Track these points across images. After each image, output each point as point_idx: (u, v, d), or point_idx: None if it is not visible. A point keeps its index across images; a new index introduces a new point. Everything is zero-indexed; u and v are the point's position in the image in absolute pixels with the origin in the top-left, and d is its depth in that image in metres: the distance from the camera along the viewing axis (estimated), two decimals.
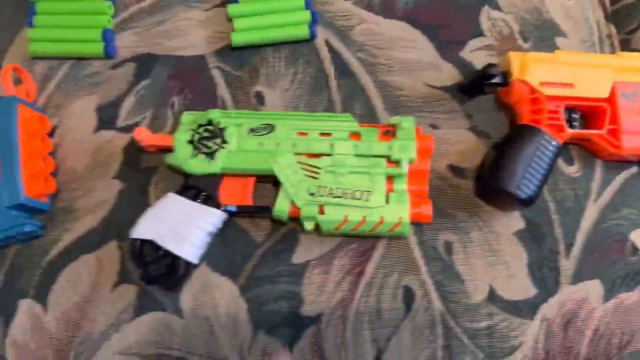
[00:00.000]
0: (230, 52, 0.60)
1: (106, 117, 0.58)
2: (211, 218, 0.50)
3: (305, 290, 0.53)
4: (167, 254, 0.49)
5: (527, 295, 0.53)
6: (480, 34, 0.61)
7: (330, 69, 0.59)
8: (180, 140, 0.52)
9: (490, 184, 0.53)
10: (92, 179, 0.56)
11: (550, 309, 0.53)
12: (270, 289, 0.53)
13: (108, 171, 0.56)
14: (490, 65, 0.55)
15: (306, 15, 0.59)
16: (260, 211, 0.52)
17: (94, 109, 0.58)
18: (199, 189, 0.51)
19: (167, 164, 0.53)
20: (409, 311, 0.52)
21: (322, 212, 0.50)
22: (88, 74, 0.60)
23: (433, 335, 0.52)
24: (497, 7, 0.62)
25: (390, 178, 0.52)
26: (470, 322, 0.52)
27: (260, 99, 0.58)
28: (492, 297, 0.53)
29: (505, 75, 0.56)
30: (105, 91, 0.59)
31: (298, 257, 0.53)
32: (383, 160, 0.52)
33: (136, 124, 0.58)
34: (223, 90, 0.59)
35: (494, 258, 0.54)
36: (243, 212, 0.52)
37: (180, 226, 0.49)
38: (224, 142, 0.51)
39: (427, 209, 0.51)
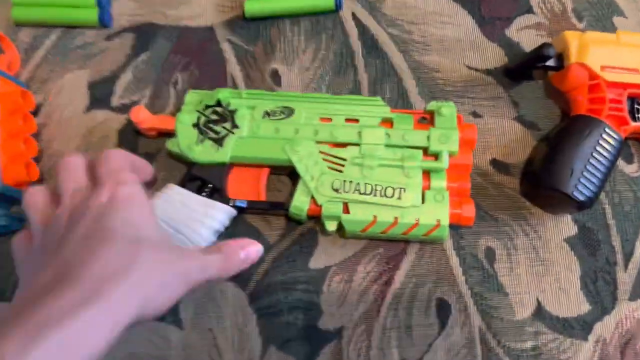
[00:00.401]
0: (243, 24, 0.52)
1: (99, 95, 0.51)
2: (218, 214, 0.43)
3: (325, 301, 0.46)
4: None
5: (580, 311, 0.46)
6: (528, 10, 0.54)
7: (357, 45, 0.52)
8: (184, 123, 0.44)
9: (542, 183, 0.45)
10: None
11: (605, 328, 0.46)
12: (284, 298, 0.46)
13: None
14: (545, 46, 0.47)
15: None
16: (275, 208, 0.45)
17: (85, 85, 0.51)
18: (204, 180, 0.44)
19: (167, 150, 0.45)
20: (443, 327, 0.45)
21: (346, 210, 0.43)
22: (79, 44, 0.52)
23: (471, 356, 0.45)
24: None
25: (426, 173, 0.45)
26: (514, 341, 0.45)
27: (276, 78, 0.51)
28: (540, 313, 0.46)
29: (560, 57, 0.48)
30: (99, 65, 0.52)
31: (316, 262, 0.46)
32: (419, 152, 0.44)
33: (133, 103, 0.50)
34: (234, 67, 0.51)
35: (542, 268, 0.47)
36: (254, 208, 0.45)
37: (182, 222, 0.41)
38: (235, 126, 0.44)
39: (469, 210, 0.44)
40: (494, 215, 0.48)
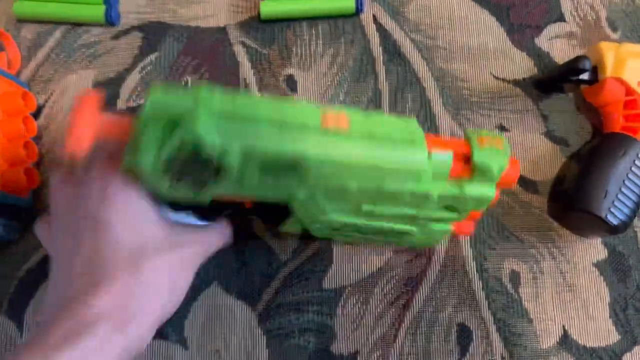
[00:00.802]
0: (258, 26, 0.49)
1: (105, 97, 0.48)
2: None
3: (338, 323, 0.43)
4: None
5: (608, 341, 0.44)
6: (560, 18, 0.50)
7: (377, 51, 0.49)
8: (147, 172, 0.30)
9: (573, 205, 0.43)
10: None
11: (635, 359, 0.43)
12: (295, 320, 0.43)
13: None
14: (581, 58, 0.44)
15: None
16: (265, 220, 0.40)
17: (90, 86, 0.48)
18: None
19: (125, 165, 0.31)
20: (464, 355, 0.43)
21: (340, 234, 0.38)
22: (85, 43, 0.49)
23: None
24: None
25: None
26: None
27: (291, 83, 0.48)
28: (566, 342, 0.43)
29: (595, 70, 0.46)
30: (105, 65, 0.49)
31: (331, 282, 0.44)
32: (439, 212, 0.36)
33: (140, 107, 0.47)
34: (247, 71, 0.48)
35: (569, 294, 0.44)
36: (239, 215, 0.38)
37: None
38: (220, 171, 0.30)
39: (468, 227, 0.40)
40: (519, 237, 0.45)
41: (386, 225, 0.36)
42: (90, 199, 0.31)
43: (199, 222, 0.37)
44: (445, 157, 0.34)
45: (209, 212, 0.36)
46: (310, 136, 0.31)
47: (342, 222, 0.35)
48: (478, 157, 0.34)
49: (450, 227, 0.38)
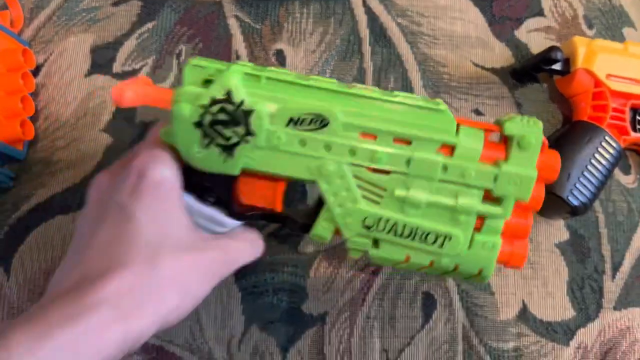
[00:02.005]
0: (252, 1, 0.52)
1: (101, 60, 0.50)
2: (224, 231, 0.36)
3: (310, 285, 0.45)
4: None
5: (564, 317, 0.46)
6: (539, 12, 0.53)
7: (365, 32, 0.51)
8: (184, 118, 0.32)
9: None
10: (77, 129, 0.48)
11: (588, 335, 0.46)
12: (270, 279, 0.45)
13: (97, 122, 0.49)
14: (553, 49, 0.47)
15: None
16: (293, 225, 0.36)
17: (88, 49, 0.50)
18: (208, 187, 0.34)
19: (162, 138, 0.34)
20: (427, 321, 0.45)
21: (376, 244, 0.35)
22: (85, 8, 0.52)
23: (452, 352, 0.45)
24: None
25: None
26: (496, 341, 0.45)
27: (281, 58, 0.50)
28: (524, 315, 0.46)
29: (567, 62, 0.48)
30: (104, 30, 0.51)
31: (306, 246, 0.46)
32: (479, 194, 0.34)
33: (134, 71, 0.50)
34: (239, 44, 0.51)
35: (530, 270, 0.47)
36: (269, 221, 0.38)
37: None
38: (249, 132, 0.33)
39: (521, 249, 0.36)
40: None
41: (426, 224, 0.34)
42: (123, 190, 0.31)
43: (231, 221, 0.35)
44: (475, 131, 0.34)
45: (238, 214, 0.36)
46: (337, 95, 0.33)
47: (375, 216, 0.34)
48: (511, 128, 0.33)
49: (498, 240, 0.35)
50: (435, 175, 0.34)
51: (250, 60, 0.50)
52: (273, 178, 0.35)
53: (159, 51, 0.50)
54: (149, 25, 0.51)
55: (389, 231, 0.34)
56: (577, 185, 0.44)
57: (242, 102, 0.32)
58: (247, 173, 0.34)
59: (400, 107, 0.34)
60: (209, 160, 0.33)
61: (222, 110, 0.32)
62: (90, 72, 0.50)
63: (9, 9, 0.50)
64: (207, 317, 0.44)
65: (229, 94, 0.32)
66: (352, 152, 0.33)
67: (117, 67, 0.50)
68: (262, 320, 0.45)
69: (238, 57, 0.50)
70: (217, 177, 0.34)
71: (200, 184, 0.34)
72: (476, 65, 0.51)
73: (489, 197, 0.34)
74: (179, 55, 0.50)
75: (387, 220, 0.34)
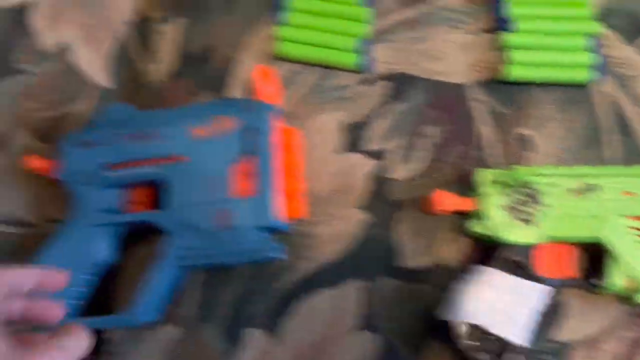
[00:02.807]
0: (495, 86, 0.54)
1: (353, 138, 0.53)
2: (538, 294, 0.44)
3: None
4: (490, 338, 0.44)
5: None
6: None
7: (606, 121, 0.53)
8: (492, 205, 0.46)
9: None
10: (333, 205, 0.51)
11: None
12: None
13: (351, 199, 0.51)
14: None
15: (588, 57, 0.52)
16: (589, 284, 0.46)
17: (339, 127, 0.53)
18: (516, 261, 0.45)
19: (470, 231, 0.47)
20: None
21: None
22: (335, 86, 0.54)
23: None
24: None
25: None
26: None
27: (526, 143, 0.52)
28: None
29: None
30: (354, 108, 0.53)
31: (564, 333, 0.47)
32: None
33: (385, 151, 0.52)
34: (485, 127, 0.53)
35: None
36: (567, 285, 0.46)
37: (506, 306, 0.43)
38: (542, 205, 0.46)
39: None
40: None
41: None
42: None
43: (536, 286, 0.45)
44: None
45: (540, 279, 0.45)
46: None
47: None
48: None
49: None
50: None
51: (494, 144, 0.52)
52: (565, 248, 0.46)
53: (408, 132, 0.53)
54: (398, 105, 0.53)
55: None
56: None
57: (532, 184, 0.46)
58: (540, 246, 0.45)
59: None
60: (518, 233, 0.45)
61: (517, 192, 0.46)
62: (342, 150, 0.52)
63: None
64: None
65: (521, 181, 0.46)
66: (623, 206, 0.45)
67: (368, 146, 0.52)
68: None
69: (481, 139, 0.52)
70: (520, 250, 0.45)
71: (508, 259, 0.45)
72: None
73: None
74: (427, 137, 0.52)
75: None
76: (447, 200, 0.46)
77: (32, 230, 0.52)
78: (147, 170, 0.48)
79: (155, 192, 0.50)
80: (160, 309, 0.47)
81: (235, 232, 0.46)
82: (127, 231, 0.50)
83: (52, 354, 0.35)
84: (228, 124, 0.48)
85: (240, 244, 0.46)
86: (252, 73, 0.50)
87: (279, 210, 0.46)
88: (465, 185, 0.50)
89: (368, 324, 0.48)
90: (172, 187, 0.47)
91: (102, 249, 0.48)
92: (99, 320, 0.46)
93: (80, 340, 0.37)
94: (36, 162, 0.49)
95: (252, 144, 0.47)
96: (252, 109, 0.48)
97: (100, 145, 0.49)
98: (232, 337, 0.48)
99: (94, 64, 0.57)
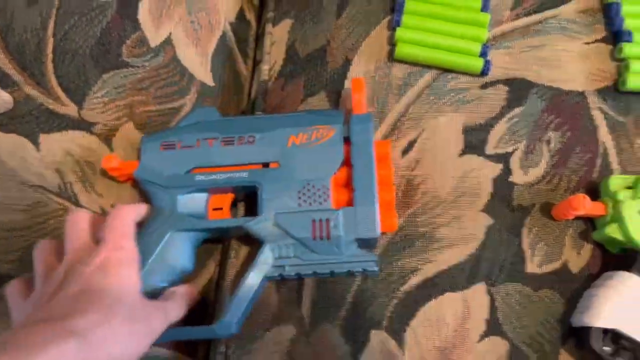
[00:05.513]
0: (614, 95, 0.54)
1: (474, 141, 0.52)
2: None
3: None
4: (627, 343, 0.43)
5: None
6: None
7: None
8: (630, 211, 0.45)
9: None
10: (457, 207, 0.50)
11: None
12: None
13: (475, 202, 0.50)
14: None
15: None
16: None
17: (460, 130, 0.52)
18: None
19: (600, 236, 0.47)
20: None
21: None
22: (453, 88, 0.54)
23: None
24: None
25: None
26: None
27: None
28: None
29: None
30: (474, 112, 0.53)
31: None
32: None
33: (507, 154, 0.51)
34: (605, 136, 0.52)
35: None
36: None
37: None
38: None
39: None
40: None
41: None
42: (90, 264, 0.38)
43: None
44: None
45: None
46: None
47: None
48: None
49: None
50: None
51: (617, 152, 0.52)
52: None
53: (528, 136, 0.52)
54: (517, 110, 0.53)
55: None
56: None
57: None
58: None
59: None
60: None
61: None
62: (463, 152, 0.52)
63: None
64: None
65: None
66: None
67: (489, 149, 0.52)
68: None
69: (605, 149, 0.52)
70: None
71: None
72: None
73: None
74: (548, 142, 0.52)
75: None
76: (587, 204, 0.45)
77: None
78: (235, 176, 0.47)
79: (234, 198, 0.49)
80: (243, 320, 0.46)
81: (333, 242, 0.45)
82: (204, 239, 0.48)
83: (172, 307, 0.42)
84: (328, 134, 0.48)
85: (337, 255, 0.45)
86: (350, 84, 0.50)
87: (378, 222, 0.45)
88: (588, 192, 0.49)
89: (495, 329, 0.46)
90: (263, 194, 0.46)
91: (183, 255, 0.46)
92: (184, 331, 0.44)
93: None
94: (113, 162, 0.48)
95: (352, 155, 0.46)
96: (352, 120, 0.48)
97: (184, 148, 0.48)
98: (356, 339, 0.47)
99: (198, 62, 0.57)
